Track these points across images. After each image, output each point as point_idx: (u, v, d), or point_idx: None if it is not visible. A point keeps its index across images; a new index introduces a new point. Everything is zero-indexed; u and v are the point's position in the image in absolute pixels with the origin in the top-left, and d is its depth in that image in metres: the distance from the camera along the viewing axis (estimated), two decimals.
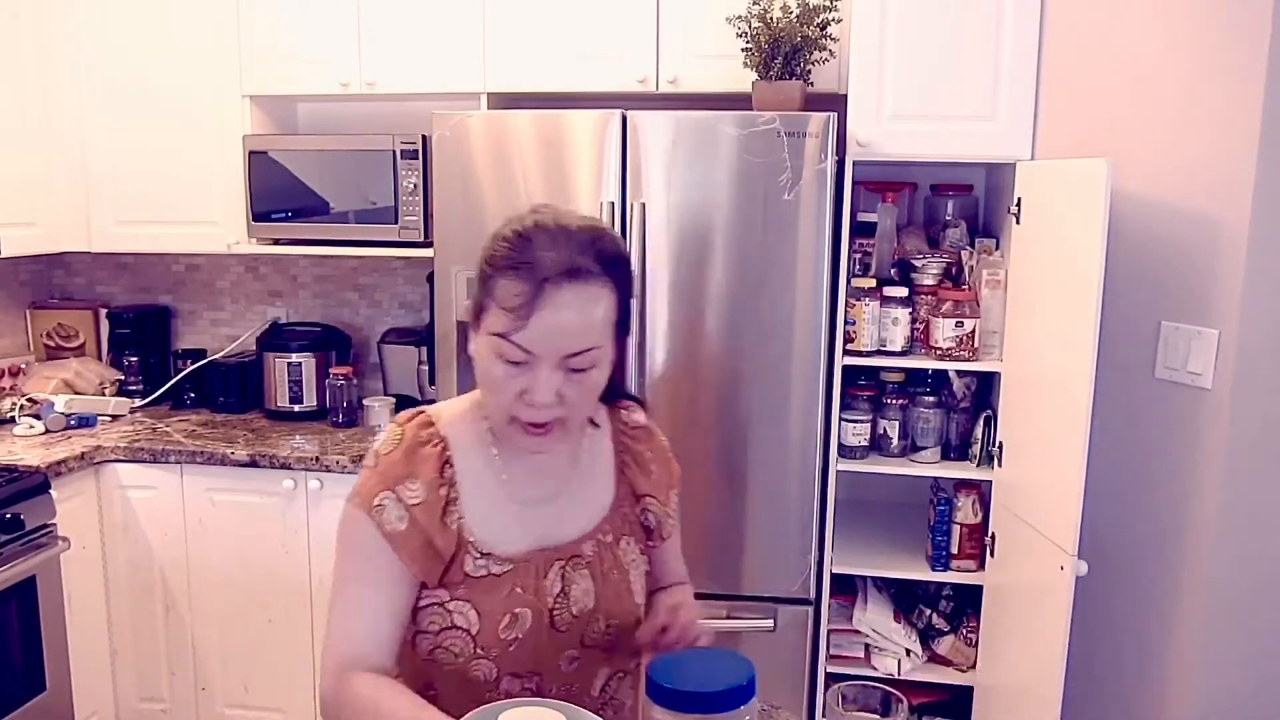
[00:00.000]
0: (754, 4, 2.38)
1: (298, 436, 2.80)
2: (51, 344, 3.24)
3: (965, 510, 2.47)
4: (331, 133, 2.98)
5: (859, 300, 2.43)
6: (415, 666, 1.21)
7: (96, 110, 2.88)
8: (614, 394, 1.32)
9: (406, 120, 2.81)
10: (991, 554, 2.42)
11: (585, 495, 1.28)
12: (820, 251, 2.28)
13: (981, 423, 2.48)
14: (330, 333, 3.10)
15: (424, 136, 2.65)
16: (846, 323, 2.43)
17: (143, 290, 3.32)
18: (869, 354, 2.45)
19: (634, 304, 2.32)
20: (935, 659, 2.54)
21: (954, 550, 2.48)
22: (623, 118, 2.30)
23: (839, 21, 2.37)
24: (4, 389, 3.04)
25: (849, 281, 2.43)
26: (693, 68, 2.56)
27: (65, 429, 2.81)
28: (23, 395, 2.92)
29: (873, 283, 2.44)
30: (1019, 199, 2.26)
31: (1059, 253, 2.08)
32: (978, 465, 2.49)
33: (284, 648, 2.69)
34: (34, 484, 2.42)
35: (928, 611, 2.57)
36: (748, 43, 2.37)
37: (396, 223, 2.72)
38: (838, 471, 2.45)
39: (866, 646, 2.56)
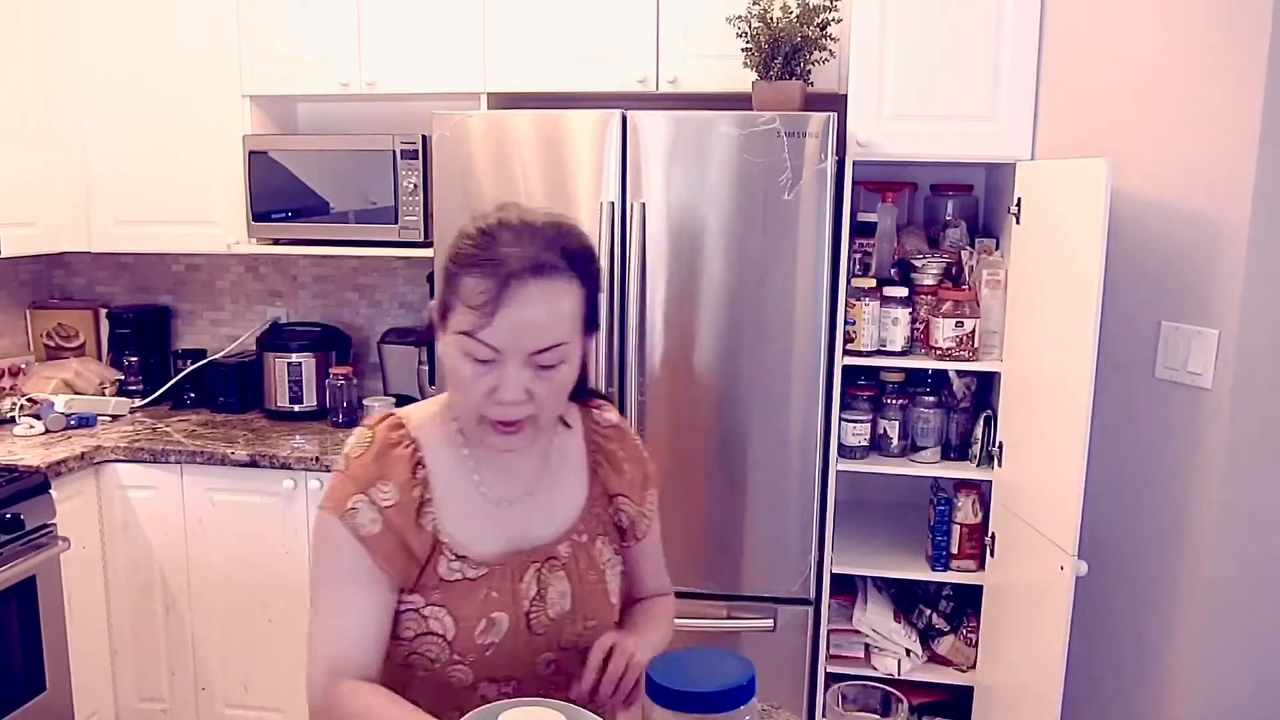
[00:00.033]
0: (754, 4, 2.38)
1: (298, 436, 2.80)
2: (51, 344, 3.24)
3: (965, 510, 2.47)
4: (331, 133, 2.98)
5: (859, 300, 2.43)
6: (390, 673, 1.20)
7: (96, 110, 2.88)
8: (584, 392, 1.32)
9: (406, 120, 2.81)
10: (991, 554, 2.42)
11: (558, 495, 1.27)
12: (820, 251, 2.28)
13: (981, 423, 2.48)
14: (330, 333, 3.10)
15: (424, 136, 2.65)
16: (846, 323, 2.43)
17: (143, 290, 3.32)
18: (869, 354, 2.45)
19: (630, 300, 2.33)
20: (935, 659, 2.54)
21: (954, 550, 2.48)
22: (623, 118, 2.30)
23: (839, 21, 2.37)
24: (4, 389, 3.04)
25: (849, 281, 2.43)
26: (693, 68, 2.56)
27: (65, 429, 2.81)
28: (23, 395, 2.92)
29: (873, 283, 2.44)
30: (1019, 199, 2.26)
31: (1059, 253, 2.08)
32: (978, 465, 2.49)
33: (284, 648, 2.69)
34: (34, 484, 2.42)
35: (928, 611, 2.57)
36: (748, 43, 2.37)
37: (396, 223, 2.72)
38: (838, 471, 2.45)
39: (866, 646, 2.56)
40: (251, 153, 2.78)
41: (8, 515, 2.32)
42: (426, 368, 2.89)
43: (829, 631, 2.50)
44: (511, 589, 1.20)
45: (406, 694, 1.18)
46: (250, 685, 2.75)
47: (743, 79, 2.41)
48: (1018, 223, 2.27)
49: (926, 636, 2.56)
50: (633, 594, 1.39)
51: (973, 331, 2.38)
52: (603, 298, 2.32)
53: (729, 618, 2.43)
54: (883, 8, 2.34)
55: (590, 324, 1.17)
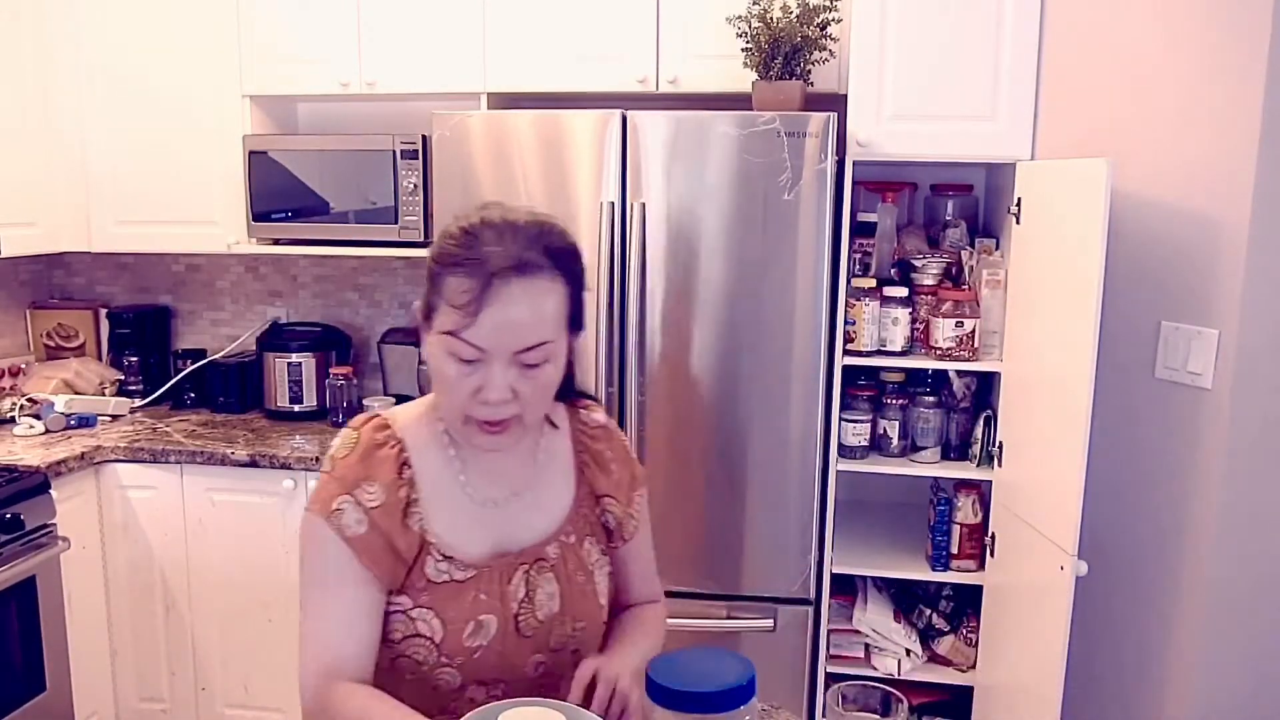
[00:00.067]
0: (754, 4, 2.38)
1: (298, 436, 2.80)
2: (51, 344, 3.24)
3: (965, 510, 2.47)
4: (331, 133, 2.98)
5: (859, 300, 2.43)
6: (378, 676, 1.18)
7: (96, 110, 2.88)
8: (571, 392, 1.31)
9: (406, 120, 2.81)
10: (991, 554, 2.42)
11: (545, 496, 1.27)
12: (820, 251, 2.28)
13: (981, 423, 2.48)
14: (330, 333, 3.10)
15: (424, 136, 2.65)
16: (846, 323, 2.43)
17: (143, 290, 3.32)
18: (869, 354, 2.45)
19: (630, 300, 2.33)
20: (935, 659, 2.54)
21: (954, 550, 2.48)
22: (623, 118, 2.30)
23: (839, 21, 2.37)
24: (4, 389, 3.04)
25: (849, 281, 2.43)
26: (693, 68, 2.56)
27: (65, 429, 2.81)
28: (23, 395, 2.92)
29: (873, 283, 2.44)
30: (1019, 199, 2.26)
31: (1059, 253, 2.08)
32: (978, 465, 2.49)
33: (284, 648, 2.69)
34: (34, 484, 2.42)
35: (928, 611, 2.57)
36: (748, 43, 2.37)
37: (396, 223, 2.72)
38: (838, 471, 2.45)
39: (866, 646, 2.56)
40: (251, 153, 2.78)
41: (8, 515, 2.32)
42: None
43: (829, 631, 2.50)
44: (500, 591, 1.19)
45: (394, 697, 1.17)
46: (250, 685, 2.75)
47: (743, 79, 2.41)
48: (1018, 223, 2.27)
49: (926, 636, 2.56)
50: (622, 600, 1.38)
51: (973, 331, 2.38)
52: (594, 297, 2.34)
53: (729, 618, 2.43)
54: (883, 8, 2.34)
55: (575, 322, 1.17)
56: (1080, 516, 1.94)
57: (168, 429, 2.86)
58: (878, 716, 1.04)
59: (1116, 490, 2.14)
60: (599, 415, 1.35)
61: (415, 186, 2.69)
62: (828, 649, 2.51)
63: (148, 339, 3.21)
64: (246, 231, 2.83)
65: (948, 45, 2.33)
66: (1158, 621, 2.06)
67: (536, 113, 2.34)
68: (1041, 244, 2.18)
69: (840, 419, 2.48)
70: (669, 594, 2.40)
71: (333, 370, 2.96)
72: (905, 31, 2.34)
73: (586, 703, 1.13)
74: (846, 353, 2.44)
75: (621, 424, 2.37)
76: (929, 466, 2.51)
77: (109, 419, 2.95)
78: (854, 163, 2.37)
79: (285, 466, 2.60)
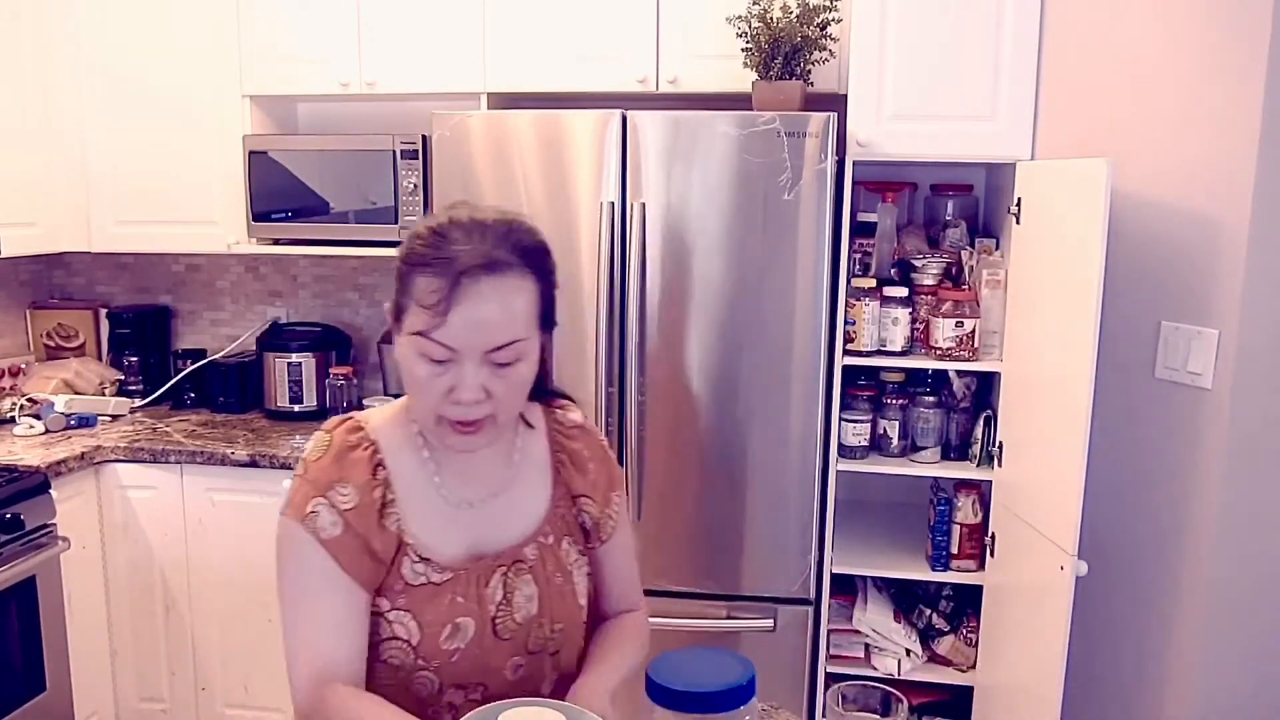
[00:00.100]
0: (754, 4, 2.38)
1: (298, 436, 2.80)
2: (51, 344, 3.24)
3: (965, 510, 2.47)
4: (331, 133, 2.98)
5: (859, 300, 2.43)
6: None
7: (96, 110, 2.88)
8: (547, 392, 1.31)
9: (406, 120, 2.81)
10: (991, 554, 2.42)
11: (521, 496, 1.26)
12: (820, 251, 2.28)
13: (981, 423, 2.48)
14: (330, 333, 3.10)
15: (424, 136, 2.65)
16: (846, 323, 2.43)
17: (143, 290, 3.32)
18: (869, 354, 2.45)
19: (630, 300, 2.33)
20: (935, 659, 2.54)
21: (954, 550, 2.48)
22: (623, 118, 2.30)
23: (839, 21, 2.37)
24: (4, 389, 3.04)
25: (849, 281, 2.43)
26: (693, 68, 2.56)
27: (65, 429, 2.81)
28: (23, 395, 2.92)
29: (873, 283, 2.44)
30: (1019, 199, 2.26)
31: (1059, 253, 2.08)
32: (978, 465, 2.49)
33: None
34: (34, 484, 2.42)
35: (928, 611, 2.57)
36: (748, 43, 2.37)
37: (397, 223, 2.72)
38: (838, 471, 2.45)
39: (866, 646, 2.56)
40: (251, 153, 2.78)
41: (8, 515, 2.31)
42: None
43: (829, 631, 2.50)
44: (477, 594, 1.18)
45: None
46: (250, 685, 2.75)
47: (743, 79, 2.41)
48: (1018, 223, 2.27)
49: (926, 636, 2.56)
50: (601, 605, 1.36)
51: (973, 331, 2.38)
52: (594, 297, 2.34)
53: (729, 618, 2.43)
54: (883, 8, 2.34)
55: (547, 320, 1.16)
56: (1080, 516, 1.94)
57: (168, 429, 2.86)
58: (878, 716, 1.04)
59: (1116, 490, 2.14)
60: (575, 415, 1.34)
61: (415, 186, 2.69)
62: (828, 649, 2.51)
63: (148, 339, 3.21)
64: (246, 231, 2.83)
65: (948, 45, 2.33)
66: (1158, 621, 2.06)
67: (536, 113, 2.34)
68: (1041, 244, 2.18)
69: (840, 419, 2.48)
70: (669, 594, 2.43)
71: (333, 370, 2.96)
72: (905, 31, 2.34)
73: None
74: (846, 353, 2.44)
75: (621, 424, 2.37)
76: (929, 466, 2.51)
77: (109, 419, 2.95)
78: (854, 163, 2.37)
79: (285, 466, 2.60)
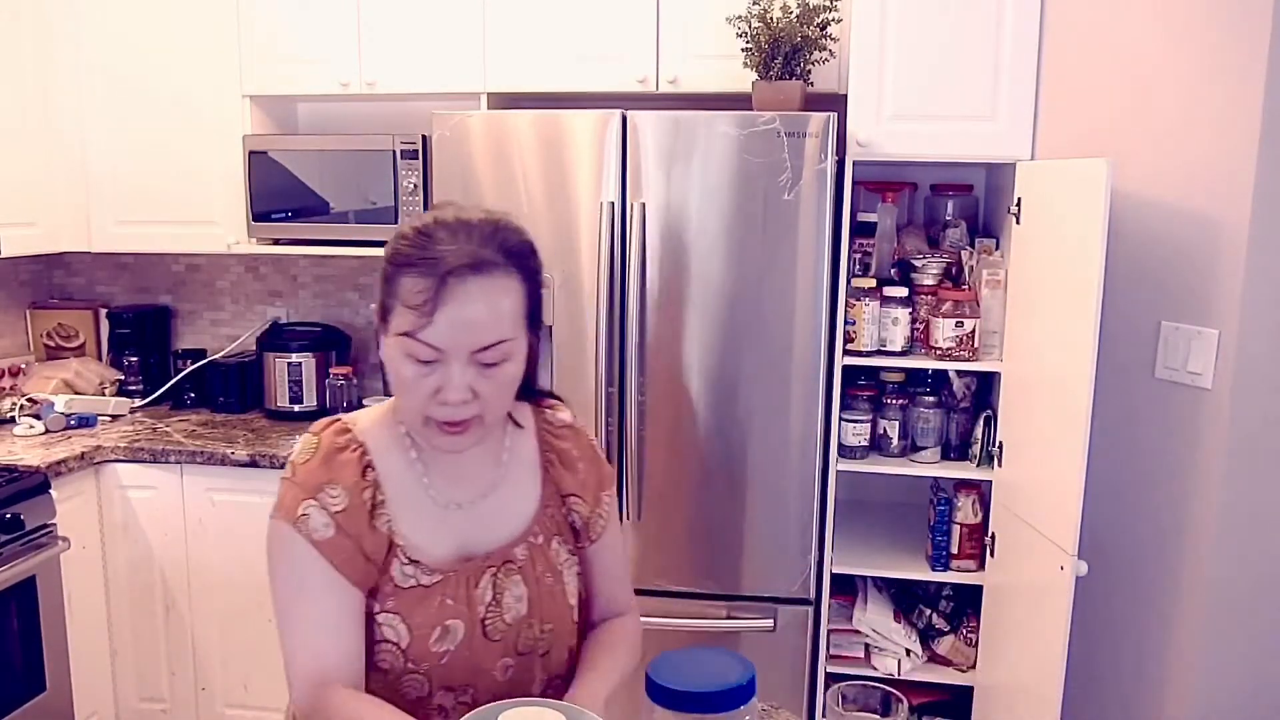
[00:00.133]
0: (754, 4, 2.38)
1: (298, 436, 2.79)
2: (51, 344, 3.24)
3: (965, 510, 2.47)
4: (331, 133, 2.98)
5: (859, 300, 2.43)
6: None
7: (96, 110, 2.88)
8: (536, 392, 1.30)
9: (406, 120, 2.81)
10: (991, 554, 2.42)
11: (511, 496, 1.25)
12: (820, 251, 2.28)
13: (981, 423, 2.48)
14: (330, 333, 3.10)
15: (424, 136, 2.65)
16: (846, 323, 2.43)
17: (143, 290, 3.32)
18: (869, 354, 2.45)
19: (630, 300, 2.33)
20: (935, 659, 2.54)
21: (954, 550, 2.48)
22: (622, 118, 2.30)
23: (839, 21, 2.37)
24: (4, 389, 3.04)
25: (849, 281, 2.43)
26: (693, 68, 2.56)
27: (65, 429, 2.81)
28: (23, 395, 2.92)
29: (873, 283, 2.44)
30: (1019, 199, 2.26)
31: (1059, 253, 2.08)
32: (978, 465, 2.49)
33: None
34: (34, 484, 2.42)
35: (928, 611, 2.57)
36: (748, 43, 2.37)
37: (397, 223, 2.71)
38: (838, 471, 2.45)
39: (866, 646, 2.56)
40: (251, 153, 2.78)
41: (8, 515, 2.31)
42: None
43: (829, 631, 2.50)
44: (466, 595, 1.18)
45: None
46: (250, 685, 2.75)
47: (743, 79, 2.41)
48: (1018, 223, 2.27)
49: (926, 636, 2.56)
50: (593, 607, 1.35)
51: (973, 331, 2.38)
52: (594, 297, 2.34)
53: (729, 618, 2.43)
54: (883, 8, 2.34)
55: (534, 320, 1.16)
56: (1080, 516, 1.94)
57: (168, 429, 2.86)
58: (878, 716, 1.04)
59: (1116, 490, 2.14)
60: (564, 414, 1.34)
61: (415, 186, 2.69)
62: (828, 649, 2.51)
63: (148, 339, 3.21)
64: (246, 231, 2.83)
65: (948, 45, 2.33)
66: (1158, 621, 2.06)
67: (536, 113, 2.34)
68: (1041, 244, 2.18)
69: (840, 419, 2.48)
70: (669, 594, 2.43)
71: (333, 370, 2.96)
72: (905, 31, 2.34)
73: None
74: (846, 353, 2.44)
75: (621, 424, 2.37)
76: (929, 466, 2.51)
77: (109, 419, 2.95)
78: (854, 163, 2.37)
79: (285, 466, 2.60)
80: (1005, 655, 2.32)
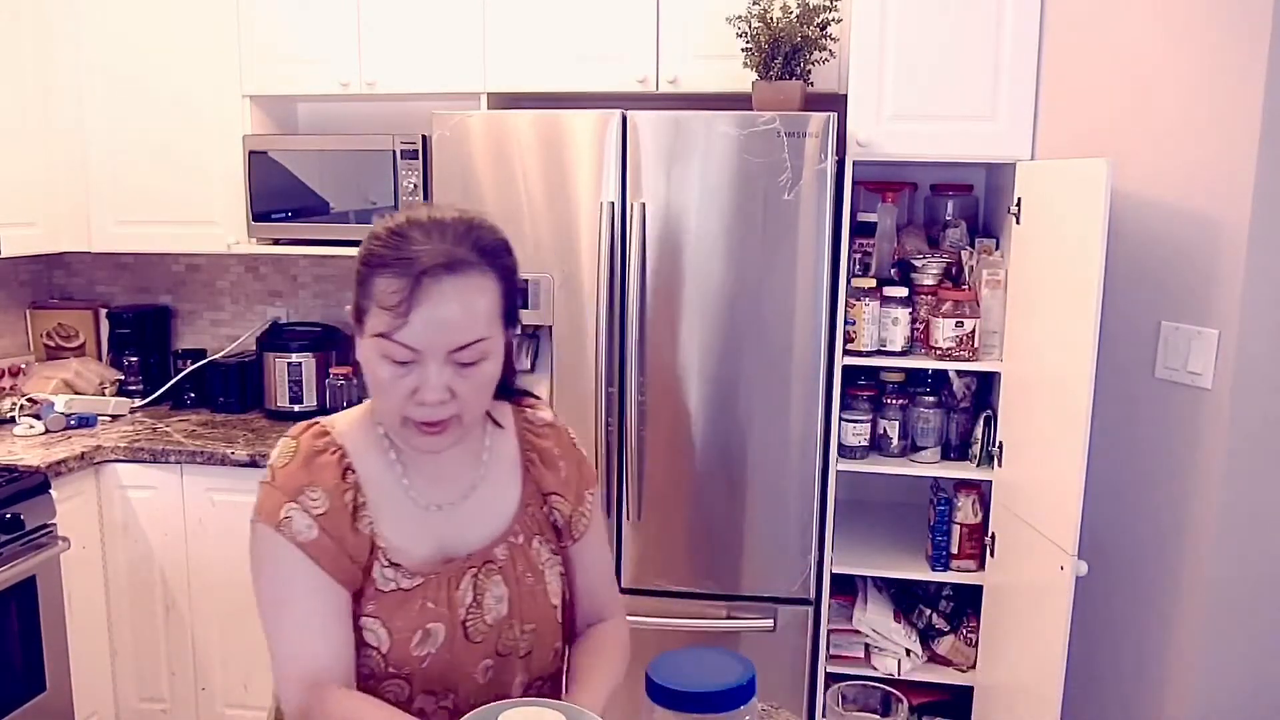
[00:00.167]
0: (754, 4, 2.38)
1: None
2: (51, 344, 3.24)
3: (965, 510, 2.47)
4: (331, 133, 2.98)
5: (859, 300, 2.43)
6: None
7: (96, 110, 2.88)
8: (512, 391, 1.30)
9: (406, 120, 2.81)
10: (991, 554, 2.42)
11: (491, 496, 1.25)
12: (820, 251, 2.28)
13: (981, 423, 2.48)
14: (330, 333, 3.10)
15: (424, 136, 2.65)
16: (846, 323, 2.43)
17: (143, 290, 3.32)
18: (869, 354, 2.44)
19: (629, 300, 2.33)
20: (935, 659, 2.54)
21: (954, 550, 2.48)
22: (623, 118, 2.30)
23: (839, 21, 2.37)
24: (4, 389, 3.04)
25: (849, 281, 2.43)
26: (693, 68, 2.56)
27: (65, 429, 2.81)
28: (23, 395, 2.92)
29: (873, 283, 2.44)
30: (1019, 199, 2.26)
31: (1059, 253, 2.08)
32: (978, 465, 2.49)
33: None
34: (34, 484, 2.42)
35: (928, 611, 2.57)
36: (748, 43, 2.37)
37: None
38: (838, 471, 2.45)
39: (866, 646, 2.56)
40: (251, 153, 2.78)
41: (8, 515, 2.31)
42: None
43: (829, 631, 2.50)
44: (447, 598, 1.17)
45: None
46: (250, 685, 2.75)
47: (743, 79, 2.41)
48: (1018, 223, 2.27)
49: (926, 636, 2.56)
50: (579, 607, 1.34)
51: (973, 331, 2.38)
52: (594, 297, 2.34)
53: (729, 618, 2.43)
54: (883, 8, 2.34)
55: (510, 318, 1.15)
56: (1080, 516, 1.94)
57: (168, 429, 2.86)
58: (878, 716, 1.04)
59: (1116, 490, 2.14)
60: (545, 413, 1.33)
61: (415, 186, 2.69)
62: (828, 649, 2.51)
63: (148, 339, 3.21)
64: (246, 231, 2.83)
65: (948, 45, 2.33)
66: (1158, 621, 2.06)
67: (536, 113, 2.34)
68: (1041, 244, 2.18)
69: (840, 419, 2.48)
70: (669, 594, 2.43)
71: (333, 370, 2.96)
72: (905, 31, 2.34)
73: None
74: (846, 353, 2.44)
75: (621, 424, 2.37)
76: (929, 466, 2.51)
77: (109, 419, 2.95)
78: (854, 163, 2.37)
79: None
80: (1005, 655, 2.32)
